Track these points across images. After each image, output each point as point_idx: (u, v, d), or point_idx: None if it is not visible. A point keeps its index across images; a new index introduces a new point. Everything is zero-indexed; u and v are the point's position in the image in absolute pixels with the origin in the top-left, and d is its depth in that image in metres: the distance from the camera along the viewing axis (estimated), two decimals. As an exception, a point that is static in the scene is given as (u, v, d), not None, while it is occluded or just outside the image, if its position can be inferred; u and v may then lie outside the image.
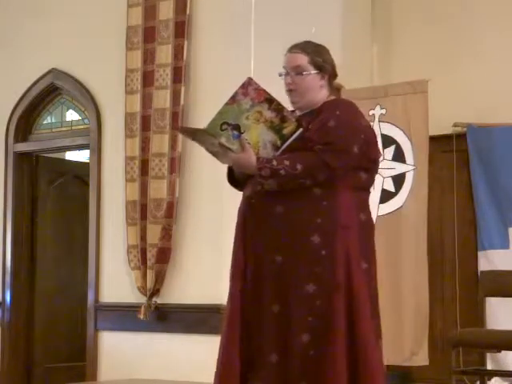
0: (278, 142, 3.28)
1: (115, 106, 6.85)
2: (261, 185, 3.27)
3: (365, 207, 3.44)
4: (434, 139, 6.68)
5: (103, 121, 7.04)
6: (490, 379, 6.27)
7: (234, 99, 3.29)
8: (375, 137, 3.50)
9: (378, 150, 3.51)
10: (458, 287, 6.76)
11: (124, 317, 6.67)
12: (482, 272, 6.39)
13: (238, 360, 3.30)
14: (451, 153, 6.85)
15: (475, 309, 6.19)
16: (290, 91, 3.46)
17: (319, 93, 3.47)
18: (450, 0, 7.11)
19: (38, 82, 7.42)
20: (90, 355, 6.88)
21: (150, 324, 6.45)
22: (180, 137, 6.38)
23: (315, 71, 3.45)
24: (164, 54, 6.52)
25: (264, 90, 3.33)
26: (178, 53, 6.46)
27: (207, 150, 3.39)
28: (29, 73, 7.43)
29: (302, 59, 3.47)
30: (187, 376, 6.18)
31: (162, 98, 6.50)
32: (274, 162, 3.25)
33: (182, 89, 6.42)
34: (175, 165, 6.40)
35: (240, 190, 3.59)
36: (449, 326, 6.65)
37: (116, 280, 6.79)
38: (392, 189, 6.24)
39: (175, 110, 6.43)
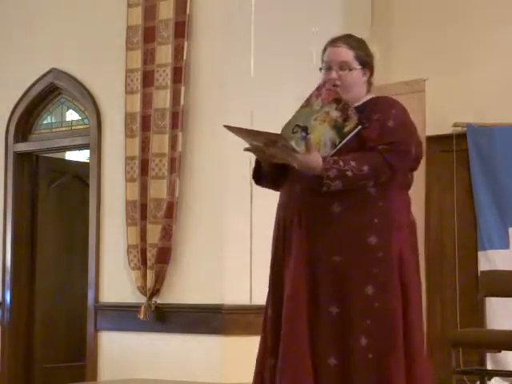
0: (337, 141, 3.24)
1: (115, 106, 6.85)
2: (327, 186, 3.17)
3: (410, 206, 3.43)
4: (433, 139, 6.69)
5: (103, 121, 7.04)
6: (489, 379, 6.27)
7: (308, 102, 3.28)
8: (419, 137, 3.48)
9: (422, 150, 3.46)
10: (458, 287, 6.75)
11: (124, 317, 6.67)
12: (482, 272, 6.39)
13: (310, 362, 3.21)
14: (451, 153, 6.85)
15: (475, 309, 6.19)
16: (334, 87, 3.35)
17: (362, 89, 3.42)
18: (449, 0, 7.11)
19: (37, 82, 7.42)
20: (90, 355, 6.88)
21: (149, 324, 6.45)
22: (180, 137, 6.38)
23: (360, 67, 3.40)
24: (164, 54, 6.52)
25: (335, 91, 3.29)
26: (178, 53, 6.46)
27: (255, 149, 3.29)
28: (29, 73, 7.43)
29: (348, 54, 3.38)
30: (187, 376, 6.18)
31: (162, 98, 6.50)
32: (341, 163, 3.17)
33: (182, 89, 6.42)
34: (175, 165, 6.40)
35: (264, 186, 3.53)
36: (449, 326, 6.64)
37: (116, 280, 6.79)
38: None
39: (175, 110, 6.43)
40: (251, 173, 3.51)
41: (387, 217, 3.27)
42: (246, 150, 3.31)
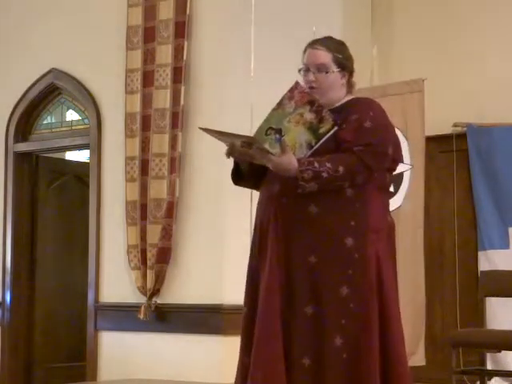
0: (313, 142, 3.25)
1: (115, 106, 6.85)
2: (302, 188, 3.18)
3: (389, 208, 3.45)
4: (433, 139, 6.69)
5: (103, 121, 7.04)
6: (489, 379, 6.26)
7: (279, 104, 3.28)
8: (398, 138, 3.50)
9: (401, 151, 3.48)
10: (458, 287, 6.75)
11: (124, 317, 6.67)
12: (482, 272, 6.38)
13: (283, 359, 3.22)
14: (451, 153, 6.85)
15: (475, 309, 6.19)
16: (311, 88, 3.38)
17: (340, 91, 3.42)
18: (450, 0, 7.11)
19: (37, 82, 7.42)
20: (90, 355, 6.88)
21: (150, 324, 6.45)
22: (180, 137, 6.38)
23: (338, 69, 3.40)
24: (164, 54, 6.53)
25: (308, 93, 3.30)
26: (178, 53, 6.46)
27: (231, 151, 3.30)
28: (29, 73, 7.43)
29: (326, 57, 3.39)
30: (187, 376, 6.18)
31: (162, 98, 6.50)
32: (316, 165, 3.17)
33: (182, 89, 6.42)
34: (175, 165, 6.40)
35: (243, 186, 3.56)
36: (449, 325, 6.64)
37: (116, 280, 6.79)
38: (391, 188, 6.24)
39: (175, 110, 6.43)
40: (230, 174, 3.53)
41: (364, 218, 3.27)
42: (227, 155, 3.32)
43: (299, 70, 3.46)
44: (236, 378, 3.41)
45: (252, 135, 3.26)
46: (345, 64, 3.42)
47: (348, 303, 3.21)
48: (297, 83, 3.33)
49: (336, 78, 3.40)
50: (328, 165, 3.19)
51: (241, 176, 3.50)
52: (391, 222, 3.43)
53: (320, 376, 3.20)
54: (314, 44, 3.44)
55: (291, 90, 3.30)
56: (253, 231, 3.46)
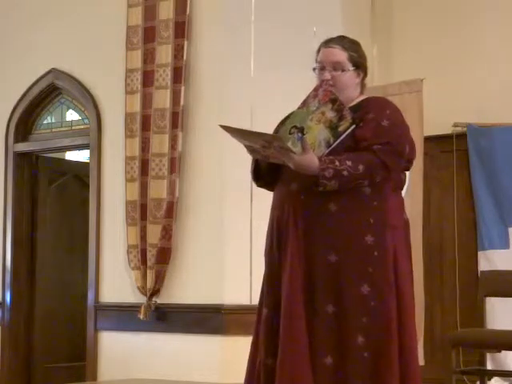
0: (331, 140, 3.26)
1: (115, 106, 6.85)
2: (323, 186, 3.19)
3: (404, 206, 3.47)
4: (433, 139, 6.69)
5: (103, 121, 7.04)
6: (490, 379, 6.26)
7: (304, 103, 3.29)
8: (412, 137, 3.50)
9: (415, 151, 3.49)
10: (458, 287, 6.75)
11: (124, 317, 6.67)
12: (482, 272, 6.38)
13: (309, 360, 3.23)
14: (451, 153, 6.85)
15: (475, 309, 6.18)
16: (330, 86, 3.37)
17: (355, 90, 3.43)
18: (450, 0, 7.11)
19: (38, 82, 7.42)
20: (90, 355, 6.88)
21: (150, 324, 6.45)
22: (180, 137, 6.39)
23: (353, 68, 3.40)
24: (164, 53, 6.53)
25: (331, 91, 3.30)
26: (178, 53, 6.47)
27: (252, 150, 3.29)
28: (29, 73, 7.43)
29: (342, 55, 3.39)
30: (187, 376, 6.18)
31: (162, 98, 6.50)
32: (337, 163, 3.19)
33: (182, 89, 6.42)
34: (175, 165, 6.40)
35: (262, 186, 3.54)
36: (449, 325, 6.64)
37: (116, 280, 6.79)
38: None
39: (175, 110, 6.43)
40: (251, 173, 3.52)
41: (382, 216, 3.30)
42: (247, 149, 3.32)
43: (313, 69, 3.45)
44: (250, 380, 3.39)
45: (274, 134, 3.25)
46: (360, 63, 3.43)
47: (369, 301, 3.23)
48: (322, 81, 3.34)
49: (351, 77, 3.41)
50: (348, 163, 3.20)
51: (259, 176, 3.49)
52: (407, 220, 3.46)
53: (342, 374, 3.21)
54: (328, 43, 3.44)
55: (316, 89, 3.30)
56: (268, 230, 3.44)
